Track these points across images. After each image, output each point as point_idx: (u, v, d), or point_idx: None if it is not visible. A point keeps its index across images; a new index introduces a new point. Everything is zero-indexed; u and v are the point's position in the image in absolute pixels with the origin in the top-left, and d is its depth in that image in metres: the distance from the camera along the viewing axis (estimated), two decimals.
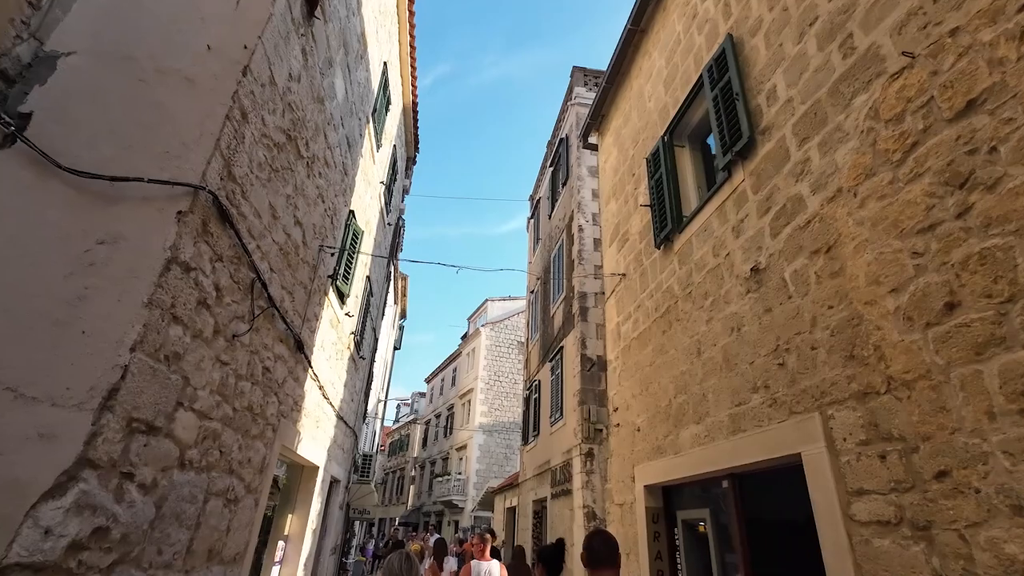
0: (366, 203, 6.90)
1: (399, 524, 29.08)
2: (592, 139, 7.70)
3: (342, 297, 5.86)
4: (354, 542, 19.11)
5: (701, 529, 3.76)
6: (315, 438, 5.51)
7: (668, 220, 4.55)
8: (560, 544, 3.56)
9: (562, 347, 9.80)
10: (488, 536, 5.11)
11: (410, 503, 33.93)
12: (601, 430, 8.10)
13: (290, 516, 5.52)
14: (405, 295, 26.90)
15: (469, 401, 28.10)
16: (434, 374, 37.26)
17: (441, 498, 26.33)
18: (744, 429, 3.20)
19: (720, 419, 3.48)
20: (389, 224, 9.24)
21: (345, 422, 7.21)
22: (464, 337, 32.37)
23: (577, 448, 8.08)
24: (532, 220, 15.37)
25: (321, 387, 5.41)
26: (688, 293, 4.16)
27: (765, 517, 3.18)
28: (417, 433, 37.28)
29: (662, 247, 4.72)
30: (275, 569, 5.13)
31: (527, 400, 12.99)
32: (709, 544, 3.54)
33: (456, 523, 24.84)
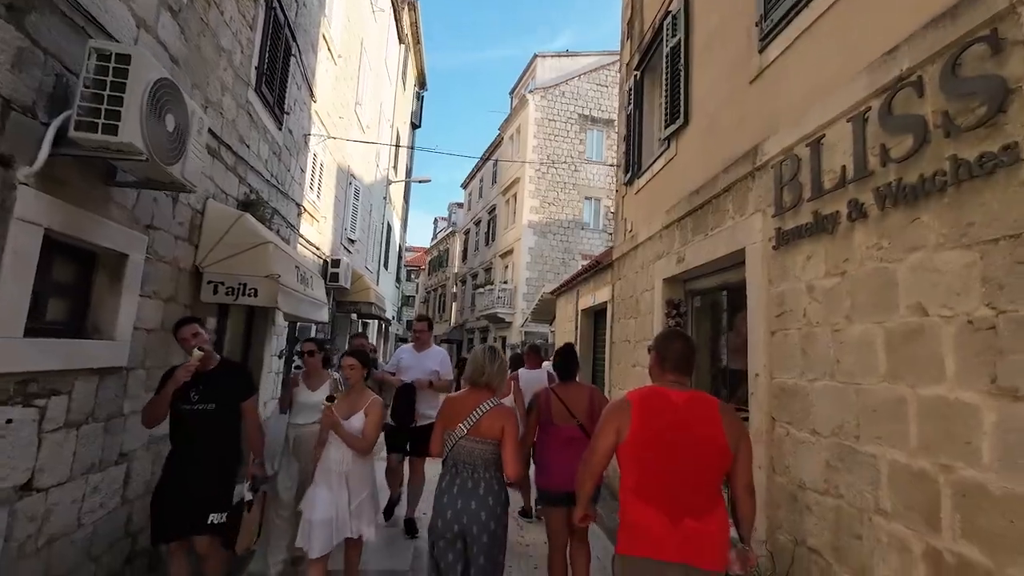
0: None
1: (442, 342, 25.23)
2: None
3: None
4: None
5: None
6: None
7: None
8: (567, 348, 3.34)
9: None
10: (538, 346, 5.36)
11: (452, 320, 30.27)
12: None
13: None
14: (419, 41, 18.80)
15: (515, 195, 21.73)
16: (471, 176, 30.67)
17: (485, 312, 21.69)
18: None
19: None
20: None
21: None
22: (506, 120, 24.79)
23: None
24: None
25: None
26: None
27: None
28: (457, 246, 32.22)
29: None
30: None
31: (634, 89, 6.16)
32: None
33: (503, 339, 20.39)
